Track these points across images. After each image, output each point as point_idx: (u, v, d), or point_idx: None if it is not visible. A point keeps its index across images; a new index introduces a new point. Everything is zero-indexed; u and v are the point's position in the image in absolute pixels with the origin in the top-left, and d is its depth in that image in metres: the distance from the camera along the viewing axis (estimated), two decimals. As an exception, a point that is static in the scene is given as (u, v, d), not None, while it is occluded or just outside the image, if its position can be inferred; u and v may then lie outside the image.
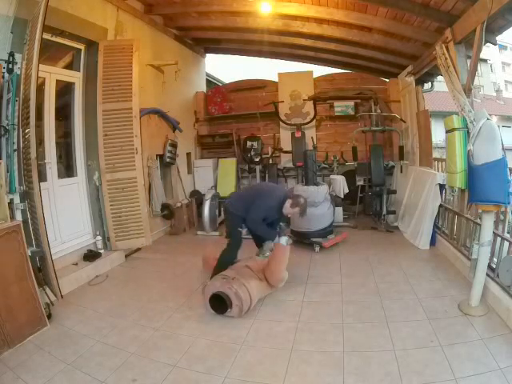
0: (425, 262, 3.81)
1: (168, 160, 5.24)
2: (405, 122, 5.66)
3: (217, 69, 15.25)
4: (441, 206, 4.16)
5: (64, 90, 3.94)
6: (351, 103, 6.46)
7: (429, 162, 4.77)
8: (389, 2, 3.64)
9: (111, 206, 4.01)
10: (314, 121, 6.47)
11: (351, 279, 3.39)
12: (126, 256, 4.22)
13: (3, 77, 2.84)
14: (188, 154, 6.49)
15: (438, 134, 7.86)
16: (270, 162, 6.40)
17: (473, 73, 3.33)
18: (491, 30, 3.13)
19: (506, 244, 2.78)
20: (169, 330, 2.60)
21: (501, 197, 2.46)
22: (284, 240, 3.07)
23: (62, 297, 3.09)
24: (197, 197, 5.90)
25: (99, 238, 3.95)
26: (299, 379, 2.05)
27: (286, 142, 6.47)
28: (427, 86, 5.56)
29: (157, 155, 5.08)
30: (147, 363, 2.22)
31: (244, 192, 3.62)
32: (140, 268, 3.98)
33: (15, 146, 2.88)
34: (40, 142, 3.46)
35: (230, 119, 7.01)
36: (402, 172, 5.55)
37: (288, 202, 3.11)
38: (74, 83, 3.99)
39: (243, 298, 2.65)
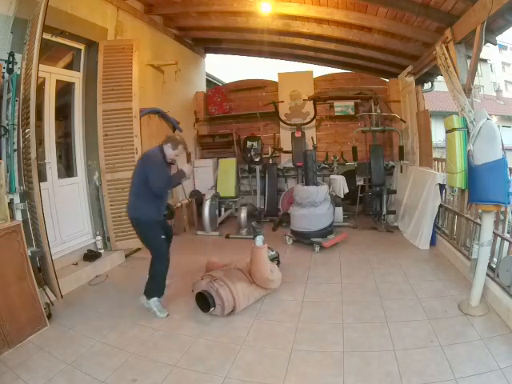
0: (425, 262, 3.81)
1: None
2: (405, 121, 5.66)
3: (217, 69, 15.24)
4: (441, 206, 4.16)
5: (64, 90, 3.94)
6: (351, 103, 6.45)
7: (429, 162, 4.77)
8: (389, 2, 3.64)
9: (111, 206, 4.01)
10: (314, 121, 6.46)
11: (351, 279, 3.39)
12: (126, 256, 4.22)
13: (3, 77, 2.84)
14: (188, 154, 6.48)
15: (438, 134, 7.88)
16: (270, 161, 6.39)
17: (473, 73, 3.33)
18: (491, 30, 3.13)
19: (506, 244, 2.79)
20: (169, 330, 2.60)
21: (501, 197, 2.45)
22: (259, 240, 2.98)
23: (62, 297, 3.09)
24: (197, 197, 5.90)
25: (99, 237, 3.95)
26: (299, 379, 2.05)
27: (286, 142, 6.47)
28: (427, 86, 5.56)
29: (157, 155, 5.08)
30: (147, 363, 2.22)
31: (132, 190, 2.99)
32: (140, 268, 3.96)
33: (15, 146, 2.88)
34: (40, 142, 3.46)
35: (230, 119, 7.01)
36: (401, 172, 5.55)
37: (168, 146, 2.91)
38: (74, 83, 3.99)
39: (224, 298, 2.68)
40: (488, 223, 2.61)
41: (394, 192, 5.45)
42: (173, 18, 5.56)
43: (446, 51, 3.55)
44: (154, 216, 2.86)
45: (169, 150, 2.92)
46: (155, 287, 2.87)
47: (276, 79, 6.84)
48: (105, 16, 4.10)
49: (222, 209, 5.99)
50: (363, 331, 2.47)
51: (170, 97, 5.71)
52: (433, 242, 4.20)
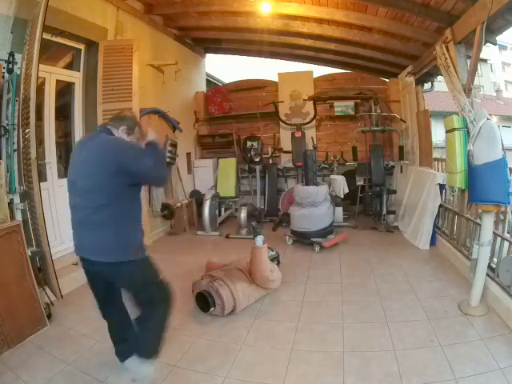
0: (425, 262, 3.81)
1: (168, 160, 5.23)
2: (405, 121, 5.66)
3: (217, 69, 15.26)
4: (441, 205, 4.16)
5: (64, 90, 3.95)
6: (351, 103, 6.45)
7: (429, 162, 4.77)
8: (389, 2, 3.64)
9: (111, 205, 4.00)
10: (314, 121, 6.46)
11: (351, 279, 3.39)
12: (126, 256, 4.21)
13: (3, 77, 2.84)
14: (188, 154, 6.49)
15: (438, 134, 7.89)
16: (270, 161, 6.40)
17: (473, 73, 3.33)
18: (491, 30, 3.13)
19: (506, 244, 2.78)
20: (169, 330, 2.59)
21: (501, 197, 2.45)
22: (259, 240, 2.98)
23: (62, 297, 3.09)
24: (197, 197, 5.91)
25: (99, 238, 3.94)
26: (299, 379, 2.05)
27: (286, 142, 6.47)
28: (427, 86, 5.56)
29: (157, 155, 5.08)
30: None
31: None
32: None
33: (15, 146, 2.88)
34: (40, 142, 3.46)
35: (230, 119, 7.01)
36: (401, 172, 5.55)
37: (120, 131, 1.88)
38: (74, 83, 4.00)
39: (224, 298, 2.68)
40: (488, 223, 2.61)
41: (394, 192, 5.45)
42: (173, 17, 5.56)
43: (445, 51, 3.55)
44: (143, 241, 1.90)
45: (122, 137, 1.90)
46: (156, 342, 1.95)
47: (276, 79, 6.84)
48: (105, 16, 4.10)
49: (222, 209, 5.99)
50: (363, 331, 2.47)
51: (170, 97, 5.71)
52: (433, 242, 4.20)
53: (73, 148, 3.95)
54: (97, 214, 1.73)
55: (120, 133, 1.89)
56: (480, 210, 2.80)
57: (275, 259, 3.57)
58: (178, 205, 5.41)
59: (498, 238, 2.88)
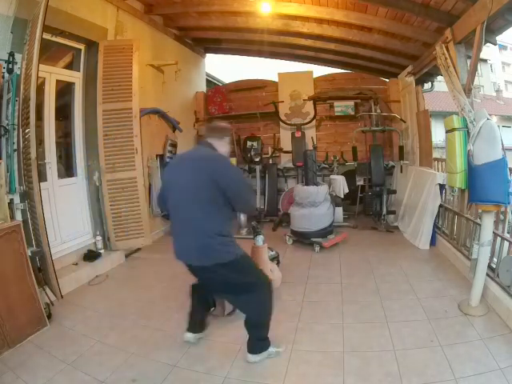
0: (425, 262, 3.81)
1: (168, 160, 5.23)
2: (405, 121, 5.66)
3: (217, 69, 15.25)
4: (441, 205, 4.16)
5: (64, 90, 3.95)
6: (351, 103, 6.45)
7: (429, 162, 4.77)
8: (389, 2, 3.64)
9: (111, 206, 4.00)
10: (314, 121, 6.46)
11: (351, 279, 3.39)
12: (126, 256, 4.22)
13: (3, 77, 2.84)
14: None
15: (438, 134, 7.88)
16: (270, 161, 6.39)
17: (473, 73, 3.33)
18: (491, 30, 3.13)
19: (506, 244, 2.79)
20: (169, 330, 2.60)
21: (501, 197, 2.45)
22: (259, 240, 3.01)
23: (62, 297, 3.09)
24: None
25: (99, 237, 3.95)
26: (299, 379, 2.06)
27: (286, 142, 6.46)
28: (427, 86, 5.56)
29: (157, 155, 5.07)
30: (147, 363, 2.22)
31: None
32: (140, 268, 3.98)
33: (15, 146, 2.88)
34: (40, 142, 3.46)
35: (230, 119, 6.98)
36: (401, 172, 5.55)
37: (225, 142, 2.13)
38: (74, 83, 3.99)
39: None
40: (488, 223, 2.61)
41: (394, 192, 5.45)
42: (173, 17, 5.56)
43: (445, 51, 3.55)
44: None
45: (225, 147, 2.11)
46: (263, 332, 2.15)
47: (276, 79, 6.83)
48: (105, 16, 4.09)
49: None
50: (363, 331, 2.47)
51: (170, 97, 5.71)
52: (433, 242, 4.20)
53: (73, 148, 3.89)
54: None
55: (223, 143, 2.09)
56: (480, 210, 2.80)
57: (275, 259, 3.57)
58: (178, 205, 5.40)
59: (498, 238, 2.88)
